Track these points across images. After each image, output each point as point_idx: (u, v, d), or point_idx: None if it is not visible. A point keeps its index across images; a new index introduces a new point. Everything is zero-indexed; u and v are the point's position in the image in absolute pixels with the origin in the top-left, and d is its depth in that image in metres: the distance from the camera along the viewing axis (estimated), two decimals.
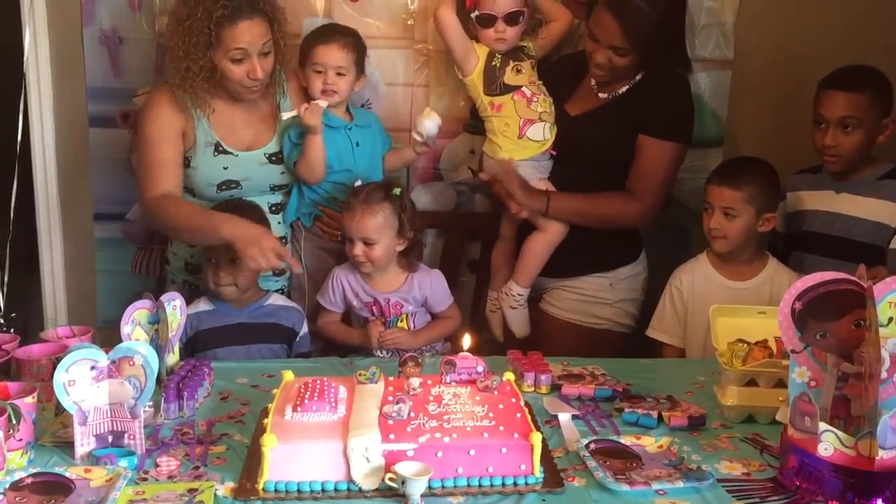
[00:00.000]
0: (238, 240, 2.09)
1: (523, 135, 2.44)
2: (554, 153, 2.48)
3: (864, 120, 2.28)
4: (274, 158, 2.41)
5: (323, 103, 2.36)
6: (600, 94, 2.46)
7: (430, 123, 2.43)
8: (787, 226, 2.47)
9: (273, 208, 2.46)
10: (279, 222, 2.48)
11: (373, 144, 2.48)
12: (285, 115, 2.37)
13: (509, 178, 2.40)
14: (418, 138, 2.47)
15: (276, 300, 2.36)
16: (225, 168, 2.35)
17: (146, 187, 2.29)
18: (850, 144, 2.30)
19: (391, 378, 1.76)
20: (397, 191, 2.32)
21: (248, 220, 2.17)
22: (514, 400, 1.65)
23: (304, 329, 2.37)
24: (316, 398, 1.59)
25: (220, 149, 2.34)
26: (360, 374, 1.72)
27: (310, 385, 1.65)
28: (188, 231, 2.24)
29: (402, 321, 2.35)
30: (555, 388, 1.92)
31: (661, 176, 2.40)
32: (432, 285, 2.36)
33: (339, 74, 2.39)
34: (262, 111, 2.41)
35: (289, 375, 1.75)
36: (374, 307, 2.34)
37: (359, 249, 2.26)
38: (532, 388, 1.92)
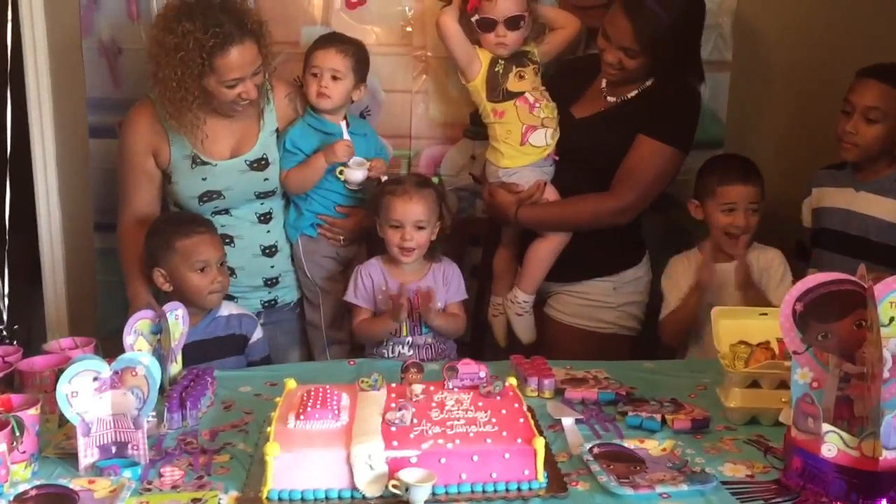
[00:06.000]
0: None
1: (525, 141, 2.44)
2: (557, 158, 2.48)
3: (889, 114, 2.27)
4: (255, 165, 2.40)
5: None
6: (609, 98, 2.47)
7: (359, 174, 2.42)
8: (812, 222, 2.50)
9: (261, 218, 2.46)
10: (268, 231, 2.47)
11: (366, 153, 2.48)
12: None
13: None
14: (350, 187, 2.47)
15: (229, 308, 2.32)
16: (204, 179, 2.35)
17: (121, 214, 2.42)
18: (869, 135, 2.28)
19: (393, 385, 1.77)
20: (437, 179, 2.36)
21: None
22: (516, 405, 1.66)
23: (258, 334, 2.33)
24: (318, 406, 1.60)
25: (198, 160, 2.35)
26: (362, 382, 1.73)
27: (312, 393, 1.66)
28: (123, 274, 2.39)
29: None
30: (558, 392, 1.92)
31: (648, 176, 2.38)
32: (452, 276, 2.37)
33: (334, 78, 2.40)
34: (245, 119, 2.40)
35: (291, 384, 1.76)
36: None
37: (409, 234, 2.26)
38: (535, 393, 1.92)
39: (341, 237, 2.50)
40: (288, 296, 2.57)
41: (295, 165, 2.44)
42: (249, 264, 2.45)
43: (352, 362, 2.18)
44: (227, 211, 2.41)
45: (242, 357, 2.30)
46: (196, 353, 2.18)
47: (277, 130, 2.45)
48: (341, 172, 2.42)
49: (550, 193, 2.48)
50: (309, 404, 1.60)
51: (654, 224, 2.70)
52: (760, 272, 2.35)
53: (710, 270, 2.34)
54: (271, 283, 2.51)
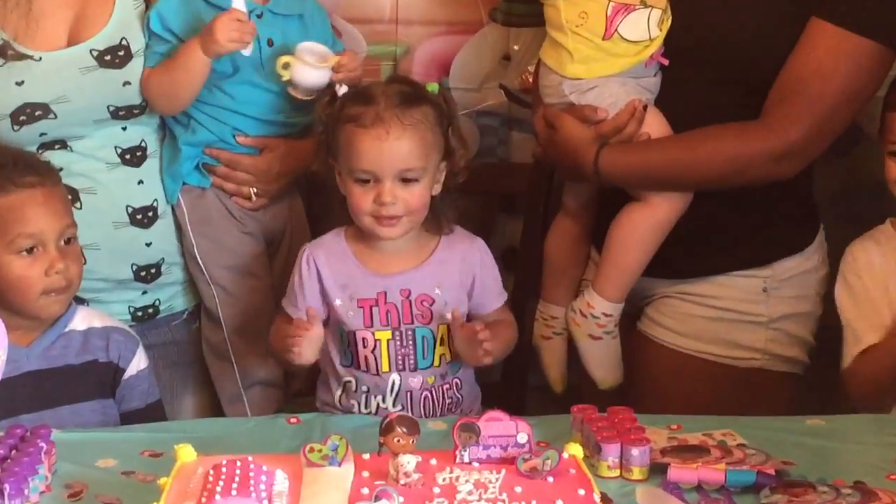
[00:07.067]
0: None
1: (612, 33, 2.47)
2: (666, 62, 2.52)
3: None
4: (109, 58, 2.44)
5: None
6: None
7: (318, 76, 2.45)
8: None
9: (126, 156, 2.50)
10: (140, 182, 2.51)
11: None
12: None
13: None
14: (297, 95, 2.51)
15: (88, 318, 2.38)
16: (19, 84, 2.39)
17: None
18: None
19: (366, 456, 1.78)
20: (434, 87, 2.34)
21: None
22: (582, 492, 1.68)
23: (140, 363, 2.39)
24: (235, 492, 1.61)
25: (11, 52, 2.39)
26: (311, 451, 1.76)
27: (225, 469, 1.68)
28: None
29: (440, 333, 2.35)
30: (657, 470, 1.96)
31: (829, 93, 2.39)
32: (482, 261, 2.37)
33: None
34: None
35: (187, 454, 1.78)
36: (376, 307, 2.32)
37: (390, 191, 2.24)
38: (616, 472, 1.96)
39: (253, 189, 2.54)
40: (178, 300, 2.64)
41: (162, 60, 2.47)
42: (108, 241, 2.49)
43: (293, 419, 2.21)
44: (63, 143, 2.45)
45: (111, 403, 2.34)
46: (26, 395, 2.22)
47: (147, 1, 2.50)
48: (286, 66, 2.43)
49: (655, 124, 2.52)
50: (219, 489, 1.62)
51: (829, 177, 2.76)
52: None
53: None
54: (148, 275, 2.55)
